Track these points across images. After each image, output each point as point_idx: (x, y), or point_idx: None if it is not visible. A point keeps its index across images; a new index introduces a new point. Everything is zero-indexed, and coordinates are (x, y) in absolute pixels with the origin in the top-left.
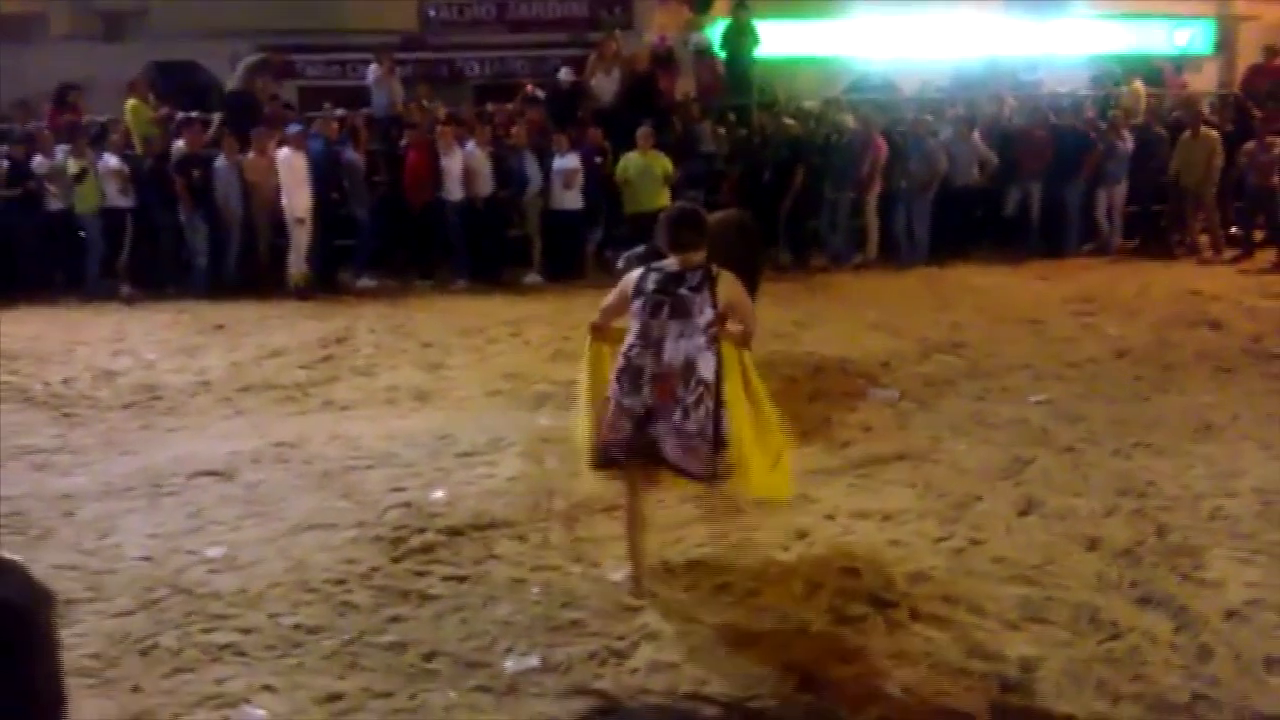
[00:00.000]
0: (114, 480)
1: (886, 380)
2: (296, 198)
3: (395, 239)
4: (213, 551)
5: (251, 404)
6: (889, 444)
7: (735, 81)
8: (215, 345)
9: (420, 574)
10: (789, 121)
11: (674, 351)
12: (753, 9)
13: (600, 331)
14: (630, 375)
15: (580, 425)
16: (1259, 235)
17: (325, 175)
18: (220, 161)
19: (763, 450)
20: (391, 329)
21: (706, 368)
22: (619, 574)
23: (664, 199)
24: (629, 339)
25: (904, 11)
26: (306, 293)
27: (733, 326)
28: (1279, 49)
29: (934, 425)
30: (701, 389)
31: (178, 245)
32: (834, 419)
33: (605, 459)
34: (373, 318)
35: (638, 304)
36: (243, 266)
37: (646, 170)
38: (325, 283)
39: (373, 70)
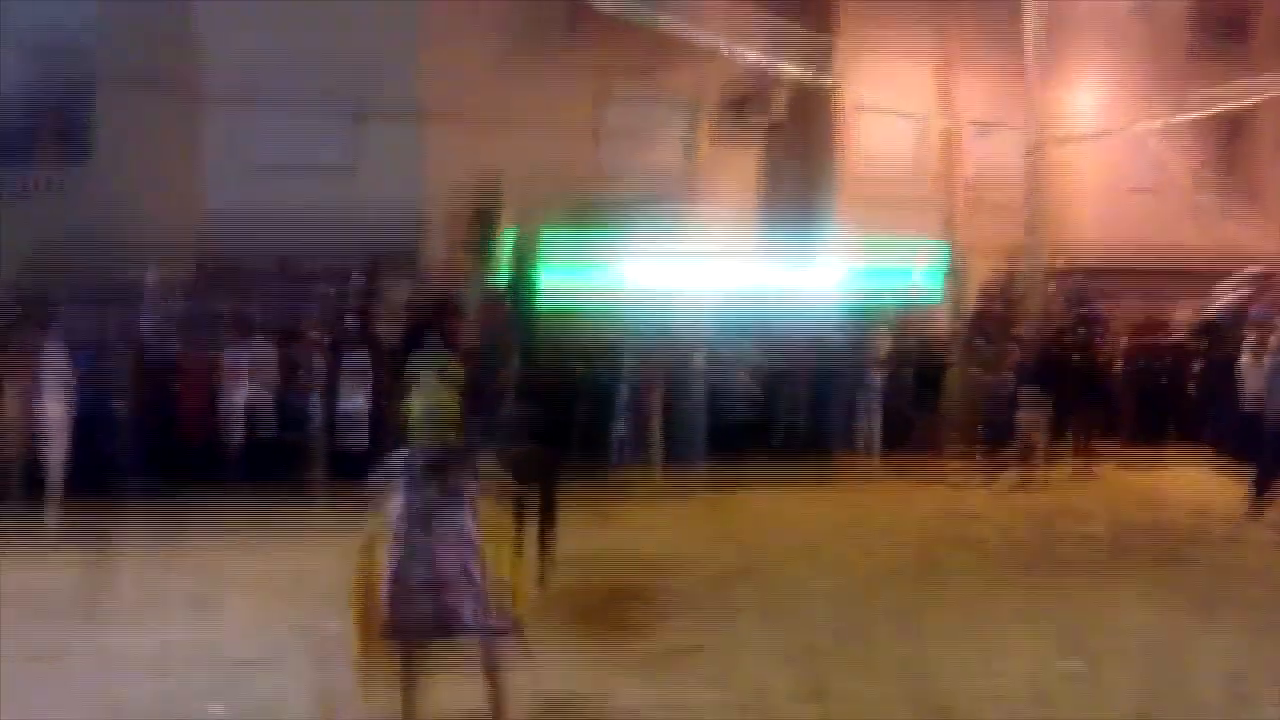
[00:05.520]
0: None
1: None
2: None
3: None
4: None
5: None
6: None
7: (519, 325)
8: None
9: None
10: (571, 364)
11: (442, 523)
12: (531, 257)
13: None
14: (406, 551)
15: (355, 618)
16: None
17: None
18: None
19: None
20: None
21: (473, 530)
22: None
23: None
24: (396, 518)
25: (666, 261)
26: None
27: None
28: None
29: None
30: (471, 550)
31: None
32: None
33: (399, 633)
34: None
35: (402, 482)
36: None
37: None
38: None
39: None
